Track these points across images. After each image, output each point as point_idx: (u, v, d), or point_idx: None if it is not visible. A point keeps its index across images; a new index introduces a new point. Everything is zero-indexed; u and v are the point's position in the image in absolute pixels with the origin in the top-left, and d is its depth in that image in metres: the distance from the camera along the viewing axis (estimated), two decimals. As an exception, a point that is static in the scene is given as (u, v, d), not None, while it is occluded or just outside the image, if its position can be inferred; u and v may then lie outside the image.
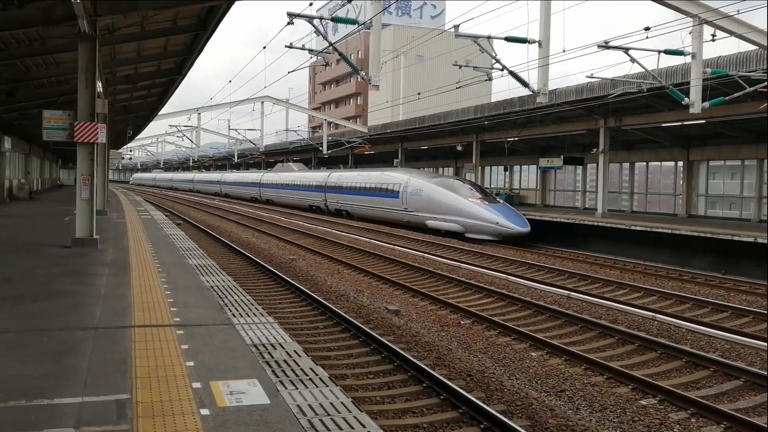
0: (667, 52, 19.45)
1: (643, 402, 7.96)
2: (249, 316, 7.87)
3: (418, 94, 31.57)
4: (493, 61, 20.85)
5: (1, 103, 22.67)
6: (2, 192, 31.85)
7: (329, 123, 52.27)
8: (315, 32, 19.60)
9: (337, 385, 5.51)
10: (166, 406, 4.77)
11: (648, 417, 7.47)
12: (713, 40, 18.36)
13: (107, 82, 22.24)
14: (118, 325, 7.22)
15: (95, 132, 13.76)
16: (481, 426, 6.88)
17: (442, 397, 7.65)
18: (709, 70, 19.07)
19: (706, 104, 19.37)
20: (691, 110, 19.46)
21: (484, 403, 7.30)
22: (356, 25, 19.45)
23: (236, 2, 14.46)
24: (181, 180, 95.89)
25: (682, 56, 19.24)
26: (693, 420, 7.44)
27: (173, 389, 5.14)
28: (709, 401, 7.89)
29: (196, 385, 5.26)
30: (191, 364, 5.81)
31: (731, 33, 17.99)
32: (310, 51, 22.81)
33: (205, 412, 4.69)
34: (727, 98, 19.35)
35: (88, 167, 14.13)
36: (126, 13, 14.37)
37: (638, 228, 22.86)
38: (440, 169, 48.19)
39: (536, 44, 19.55)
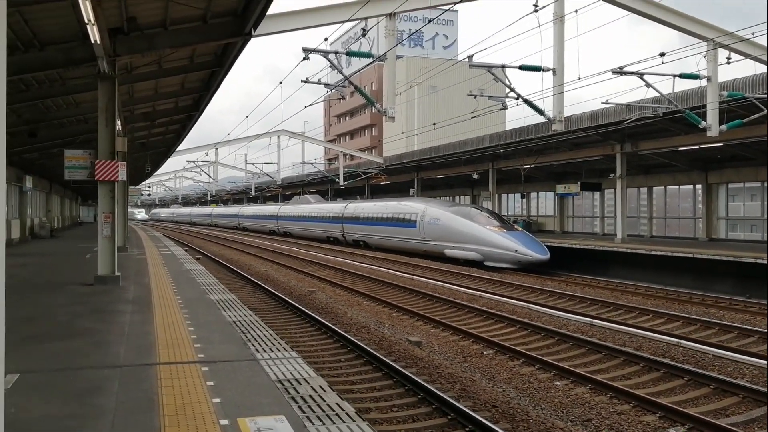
0: (682, 76, 19.48)
1: (671, 430, 7.84)
2: (272, 351, 7.87)
3: (434, 124, 31.73)
4: (508, 89, 20.95)
5: (23, 144, 23.02)
6: (24, 230, 32.21)
7: (345, 154, 52.58)
8: (330, 66, 19.80)
9: (364, 420, 5.48)
10: (194, 445, 4.77)
11: (678, 446, 7.35)
12: (728, 63, 18.39)
13: (126, 119, 22.56)
14: (143, 362, 7.23)
15: (115, 170, 13.93)
16: (509, 458, 6.80)
17: (467, 429, 7.57)
18: (725, 92, 19.04)
19: (724, 127, 19.33)
20: (709, 133, 19.42)
21: (510, 434, 7.22)
22: (371, 58, 19.63)
23: (251, 39, 14.68)
24: (200, 214, 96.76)
25: (698, 80, 19.25)
26: (724, 448, 7.31)
27: (201, 427, 5.13)
28: (739, 428, 7.76)
29: (224, 422, 5.25)
30: (218, 401, 5.80)
31: (746, 55, 18.02)
32: (326, 85, 23.02)
33: (233, 449, 4.67)
34: (745, 120, 19.29)
35: (109, 205, 14.29)
36: (144, 53, 14.60)
37: (659, 253, 22.69)
38: (457, 198, 48.21)
39: (550, 72, 19.65)
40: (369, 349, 11.15)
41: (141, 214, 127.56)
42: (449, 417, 7.97)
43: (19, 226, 31.30)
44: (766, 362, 10.60)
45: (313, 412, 5.57)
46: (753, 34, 17.20)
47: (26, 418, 5.27)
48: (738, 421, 8.23)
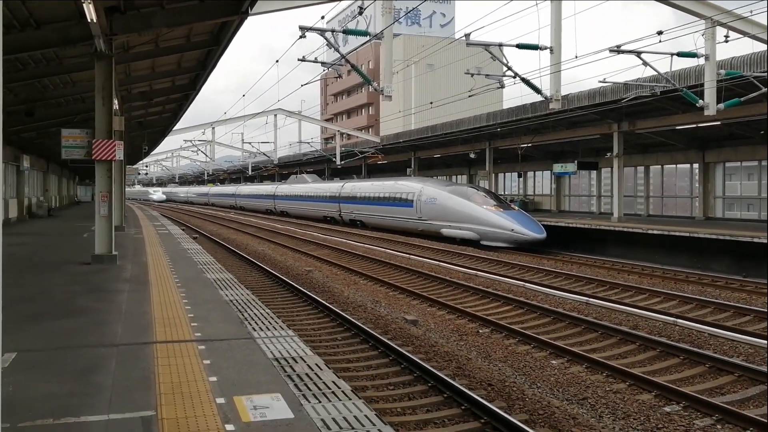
0: (680, 54, 19.40)
1: (667, 409, 7.90)
2: (269, 329, 7.90)
3: (431, 103, 31.65)
4: (505, 68, 20.86)
5: (20, 123, 22.94)
6: (22, 210, 32.17)
7: (342, 134, 52.44)
8: (327, 45, 19.70)
9: (359, 398, 5.52)
10: (191, 423, 4.80)
11: (672, 424, 7.42)
12: (726, 42, 18.31)
13: (123, 99, 22.47)
14: (140, 341, 7.26)
15: (113, 149, 13.89)
16: (504, 436, 6.86)
17: (463, 407, 7.63)
18: (723, 71, 18.97)
19: (721, 106, 19.28)
20: (706, 112, 19.37)
21: (506, 412, 7.28)
22: (367, 36, 19.51)
23: (248, 17, 14.58)
24: (197, 194, 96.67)
25: (695, 58, 19.17)
26: (718, 426, 7.38)
27: (197, 405, 5.17)
28: (734, 407, 7.82)
29: (220, 400, 5.28)
30: (214, 379, 5.83)
31: (744, 34, 17.93)
32: (323, 63, 22.92)
33: (230, 427, 4.71)
34: (742, 99, 19.25)
35: (106, 184, 14.27)
36: (140, 32, 14.50)
37: (655, 232, 22.74)
38: (454, 177, 48.18)
39: (548, 50, 19.55)
40: (365, 328, 11.20)
41: (158, 194, 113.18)
42: (445, 395, 8.02)
43: (17, 206, 31.25)
44: (762, 341, 10.67)
45: (309, 390, 5.60)
46: (752, 12, 17.13)
47: (24, 396, 5.30)
48: (733, 400, 8.29)
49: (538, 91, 20.76)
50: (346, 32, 21.24)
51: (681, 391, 8.27)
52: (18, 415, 4.81)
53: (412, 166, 44.17)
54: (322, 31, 18.73)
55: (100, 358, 6.55)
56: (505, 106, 45.45)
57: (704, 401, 7.91)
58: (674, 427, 7.33)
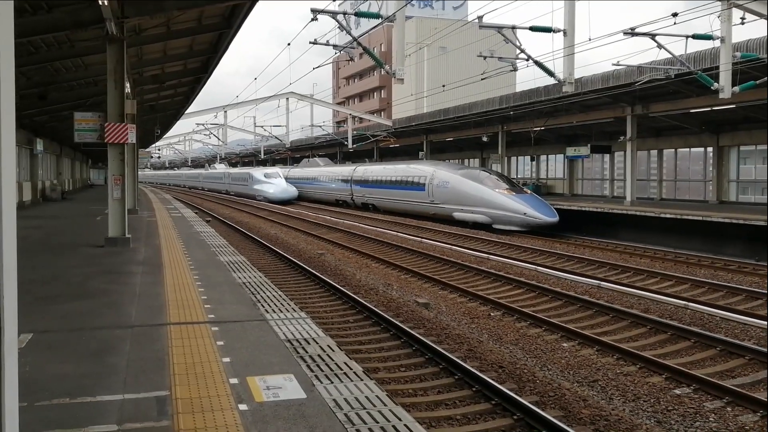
0: (695, 36, 19.22)
1: (677, 391, 7.91)
2: (281, 311, 7.96)
3: (443, 86, 31.46)
4: (518, 51, 20.74)
5: (33, 106, 23.06)
6: (36, 193, 32.41)
7: (354, 117, 52.36)
8: (339, 27, 19.65)
9: (371, 380, 5.57)
10: (205, 402, 4.86)
11: (682, 406, 7.44)
12: (743, 23, 18.13)
13: (135, 82, 22.52)
14: (154, 323, 7.34)
15: (125, 132, 13.96)
16: (514, 417, 6.90)
17: (474, 389, 7.67)
18: (738, 53, 18.78)
19: (736, 89, 19.11)
20: (721, 95, 19.22)
21: (516, 394, 7.32)
22: (379, 19, 19.44)
23: (258, 0, 14.58)
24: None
25: (711, 40, 18.98)
26: (729, 409, 7.38)
27: (211, 385, 5.23)
28: (744, 390, 7.82)
29: (233, 380, 5.34)
30: (227, 360, 5.90)
31: (761, 15, 17.73)
32: (335, 46, 22.88)
33: (243, 407, 4.77)
34: (757, 82, 19.07)
35: (119, 167, 14.36)
36: (152, 14, 14.52)
37: (668, 216, 22.63)
38: (466, 161, 48.03)
39: (561, 33, 19.42)
40: (377, 311, 11.25)
41: (275, 180, 53.72)
42: (456, 377, 8.07)
43: (31, 189, 31.50)
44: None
45: (322, 371, 5.65)
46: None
47: (41, 377, 5.38)
48: (744, 383, 8.29)
49: (551, 74, 20.65)
50: (358, 15, 21.20)
51: (691, 373, 8.27)
52: (35, 395, 4.90)
53: (425, 149, 44.07)
54: (334, 14, 18.68)
55: (114, 339, 6.63)
56: (518, 89, 45.19)
57: (714, 384, 7.92)
58: (684, 410, 7.34)
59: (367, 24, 66.13)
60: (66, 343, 6.50)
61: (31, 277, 10.09)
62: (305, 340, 6.66)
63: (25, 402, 4.60)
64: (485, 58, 22.05)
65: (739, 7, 17.74)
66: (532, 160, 40.89)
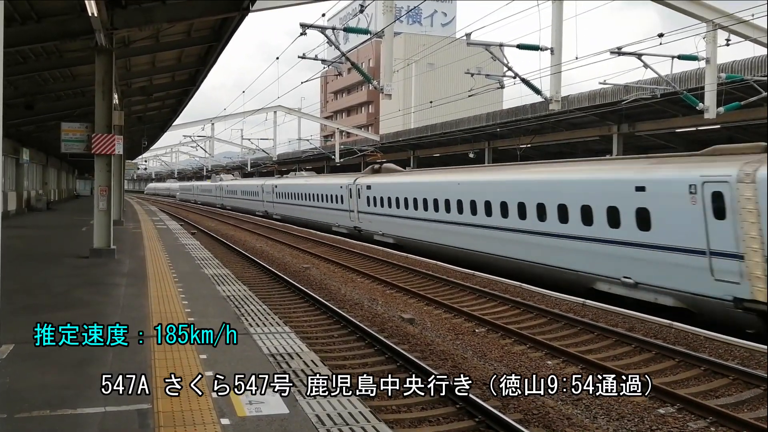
0: (681, 57, 19.40)
1: (662, 411, 7.92)
2: (265, 325, 7.93)
3: (431, 102, 31.63)
4: (505, 68, 20.87)
5: (20, 116, 22.93)
6: (21, 203, 32.17)
7: (341, 131, 52.43)
8: (327, 42, 19.71)
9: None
10: (187, 416, 4.83)
11: (666, 426, 7.45)
12: (728, 45, 18.33)
13: (122, 93, 22.48)
14: (137, 335, 7.27)
15: (112, 144, 13.92)
16: (499, 434, 6.88)
17: (458, 405, 7.65)
18: (723, 74, 18.97)
19: (721, 109, 19.29)
20: (706, 115, 19.38)
21: (500, 412, 7.30)
22: (368, 34, 19.52)
23: (249, 14, 14.59)
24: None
25: (696, 61, 19.18)
26: (712, 429, 7.40)
27: (193, 399, 5.19)
28: (728, 410, 7.84)
29: (216, 394, 5.30)
30: (210, 373, 5.85)
31: (745, 37, 17.96)
32: (323, 61, 22.93)
33: (225, 421, 4.74)
34: (742, 103, 19.27)
35: (105, 178, 14.30)
36: (141, 26, 14.52)
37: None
38: (453, 177, 48.02)
39: (548, 51, 19.56)
40: (362, 325, 11.22)
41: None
42: (441, 394, 8.04)
43: (16, 199, 31.26)
44: (758, 345, 10.69)
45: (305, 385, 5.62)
46: (753, 15, 17.14)
47: (22, 388, 5.32)
48: (727, 403, 8.31)
49: (538, 91, 20.76)
50: (347, 30, 21.31)
51: (675, 393, 8.29)
52: (15, 406, 4.84)
53: (411, 165, 44.15)
54: (322, 29, 18.74)
55: (97, 352, 6.56)
56: (505, 106, 45.51)
57: (698, 404, 7.93)
58: (668, 429, 7.36)
59: (355, 39, 66.36)
60: (48, 355, 6.43)
61: (14, 287, 9.98)
62: (289, 354, 6.64)
63: (5, 414, 4.54)
64: (473, 75, 22.15)
65: (724, 28, 17.95)
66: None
